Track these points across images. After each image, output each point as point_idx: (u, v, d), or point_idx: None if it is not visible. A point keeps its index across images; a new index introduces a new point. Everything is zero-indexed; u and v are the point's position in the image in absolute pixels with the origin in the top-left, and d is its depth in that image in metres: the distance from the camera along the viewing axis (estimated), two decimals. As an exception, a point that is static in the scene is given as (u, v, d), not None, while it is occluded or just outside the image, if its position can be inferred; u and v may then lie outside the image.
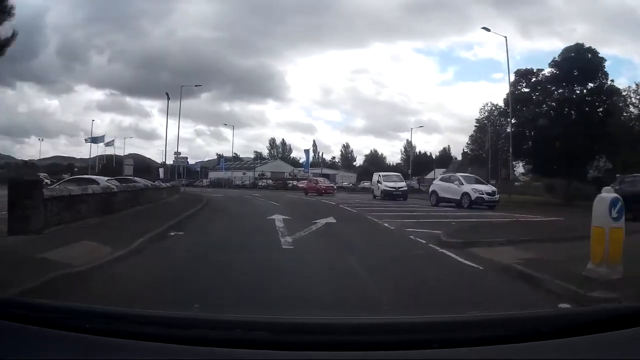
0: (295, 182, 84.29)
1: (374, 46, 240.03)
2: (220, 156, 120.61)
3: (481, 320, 2.36)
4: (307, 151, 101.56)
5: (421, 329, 2.21)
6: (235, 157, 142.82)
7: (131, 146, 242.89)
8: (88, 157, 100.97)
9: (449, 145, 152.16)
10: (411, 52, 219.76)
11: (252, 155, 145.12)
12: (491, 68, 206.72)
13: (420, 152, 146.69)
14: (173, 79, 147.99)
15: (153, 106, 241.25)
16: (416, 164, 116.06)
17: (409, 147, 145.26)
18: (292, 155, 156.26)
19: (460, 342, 2.02)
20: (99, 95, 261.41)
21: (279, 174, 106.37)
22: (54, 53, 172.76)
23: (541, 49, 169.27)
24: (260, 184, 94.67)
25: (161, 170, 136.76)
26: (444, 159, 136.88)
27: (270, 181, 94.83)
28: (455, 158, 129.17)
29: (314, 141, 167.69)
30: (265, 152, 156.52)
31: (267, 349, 1.96)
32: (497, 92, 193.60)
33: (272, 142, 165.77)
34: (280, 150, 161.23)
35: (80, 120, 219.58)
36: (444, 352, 1.97)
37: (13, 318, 2.19)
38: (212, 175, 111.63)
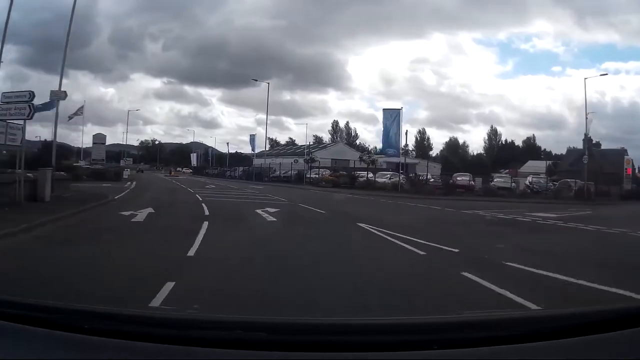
0: (369, 176, 59.60)
1: (433, 36, 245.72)
2: (252, 136, 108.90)
3: (481, 321, 2.40)
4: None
5: (421, 329, 2.26)
6: (290, 142, 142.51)
7: (192, 135, 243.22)
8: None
9: (533, 135, 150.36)
10: (471, 42, 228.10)
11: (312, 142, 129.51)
12: (550, 61, 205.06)
13: (506, 141, 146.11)
14: (231, 68, 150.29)
15: (212, 95, 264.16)
16: (502, 154, 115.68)
17: (493, 135, 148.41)
18: (358, 142, 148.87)
19: (460, 342, 2.06)
20: (156, 83, 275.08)
21: (342, 162, 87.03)
22: (108, 41, 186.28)
23: (597, 42, 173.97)
24: (312, 175, 68.56)
25: (193, 155, 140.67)
26: (532, 149, 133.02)
27: (327, 172, 70.64)
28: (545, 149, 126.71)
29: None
30: (327, 138, 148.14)
31: (267, 350, 2.00)
32: (556, 85, 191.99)
33: (335, 125, 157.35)
34: (345, 136, 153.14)
35: (139, 108, 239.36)
36: (444, 353, 2.01)
37: (13, 318, 2.23)
38: (259, 162, 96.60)
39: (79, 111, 72.66)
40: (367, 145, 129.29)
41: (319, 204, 29.64)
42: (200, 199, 30.74)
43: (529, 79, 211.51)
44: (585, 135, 56.55)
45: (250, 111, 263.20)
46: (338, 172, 66.81)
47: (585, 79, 56.45)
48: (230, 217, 21.34)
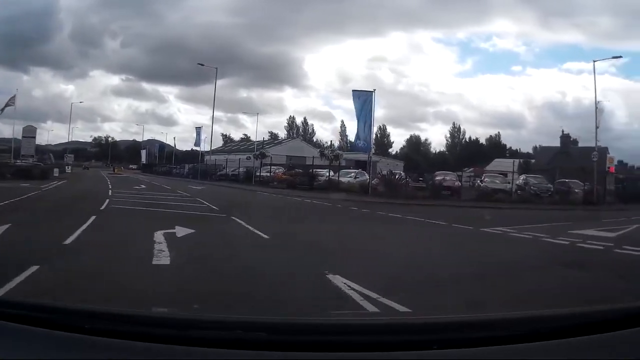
0: (332, 175, 51.27)
1: (392, 35, 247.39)
2: (198, 130, 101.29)
3: (481, 321, 2.47)
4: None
5: (421, 329, 2.32)
6: (245, 139, 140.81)
7: (150, 132, 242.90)
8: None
9: (499, 132, 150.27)
10: (430, 41, 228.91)
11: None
12: (510, 60, 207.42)
13: (470, 139, 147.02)
14: (190, 65, 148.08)
15: (170, 92, 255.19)
16: (465, 152, 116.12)
17: (456, 132, 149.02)
18: (315, 139, 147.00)
19: (461, 342, 2.11)
20: (115, 80, 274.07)
21: (300, 159, 76.78)
22: (68, 38, 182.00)
23: (561, 42, 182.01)
24: (263, 174, 61.04)
25: (143, 152, 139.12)
26: (497, 147, 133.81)
27: (280, 170, 61.90)
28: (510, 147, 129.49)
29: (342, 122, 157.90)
30: (283, 135, 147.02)
31: (267, 350, 2.04)
32: (517, 85, 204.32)
33: (292, 121, 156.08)
34: (302, 132, 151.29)
35: (97, 105, 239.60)
36: (444, 353, 2.06)
37: (13, 318, 2.27)
38: (214, 159, 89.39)
39: (10, 101, 70.31)
40: (324, 143, 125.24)
41: (263, 217, 22.38)
42: (102, 208, 23.66)
43: (489, 78, 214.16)
44: (597, 127, 49.28)
45: (206, 109, 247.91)
46: (293, 171, 57.39)
47: (594, 61, 50.94)
48: (99, 253, 12.33)
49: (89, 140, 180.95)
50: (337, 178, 48.73)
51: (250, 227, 17.00)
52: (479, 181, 48.66)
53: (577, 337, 2.18)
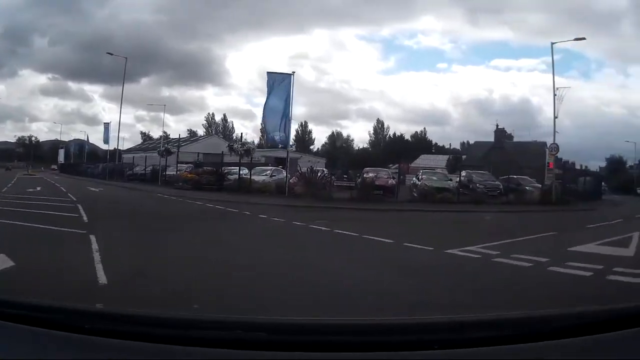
0: (244, 173, 44.44)
1: (315, 32, 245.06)
2: (107, 125, 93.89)
3: (481, 321, 2.45)
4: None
5: (422, 329, 2.29)
6: (163, 137, 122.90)
7: (75, 131, 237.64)
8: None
9: (424, 128, 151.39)
10: (353, 38, 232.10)
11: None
12: (435, 57, 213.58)
13: (394, 135, 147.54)
14: (114, 64, 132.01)
15: (95, 91, 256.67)
16: (389, 149, 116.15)
17: (380, 128, 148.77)
18: (235, 136, 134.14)
19: (461, 342, 2.10)
20: (42, 79, 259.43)
21: (217, 157, 68.24)
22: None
23: (488, 39, 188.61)
24: (169, 173, 55.43)
25: (61, 151, 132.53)
26: (423, 143, 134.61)
27: (189, 168, 54.72)
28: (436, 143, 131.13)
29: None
30: (202, 133, 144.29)
31: (267, 350, 2.05)
32: (441, 82, 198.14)
33: (210, 118, 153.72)
34: (221, 129, 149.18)
35: (26, 104, 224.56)
36: (444, 353, 2.05)
37: (12, 318, 2.30)
38: (131, 156, 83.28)
39: None
40: (243, 138, 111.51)
41: (132, 237, 15.74)
42: None
43: (413, 75, 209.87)
44: (555, 117, 45.90)
45: (130, 107, 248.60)
46: (201, 169, 49.95)
47: (552, 43, 46.52)
48: None
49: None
50: (250, 177, 41.92)
51: (97, 256, 11.73)
52: (415, 179, 42.32)
53: (577, 337, 2.13)
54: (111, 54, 74.65)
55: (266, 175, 43.84)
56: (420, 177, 40.30)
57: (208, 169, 48.90)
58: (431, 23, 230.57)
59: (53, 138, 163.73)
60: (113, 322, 2.27)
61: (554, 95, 43.57)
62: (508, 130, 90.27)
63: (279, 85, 40.45)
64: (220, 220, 22.51)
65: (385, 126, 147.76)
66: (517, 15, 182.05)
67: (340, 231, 17.17)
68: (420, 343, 2.10)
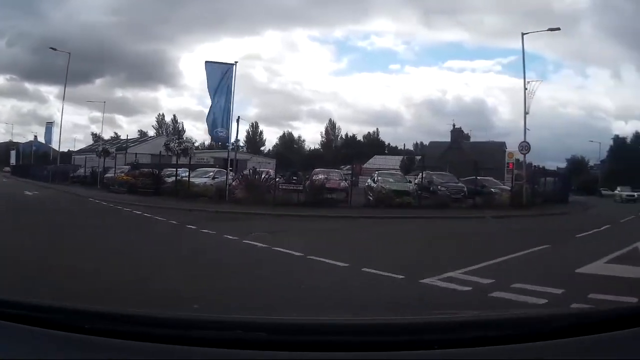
0: (183, 176, 39.90)
1: (268, 34, 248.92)
2: (49, 125, 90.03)
3: (481, 321, 2.49)
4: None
5: (422, 329, 2.32)
6: (114, 138, 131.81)
7: (30, 133, 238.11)
8: None
9: (377, 129, 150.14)
10: (306, 39, 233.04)
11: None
12: (388, 59, 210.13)
13: (347, 135, 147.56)
14: (71, 65, 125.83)
15: (51, 92, 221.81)
16: (342, 149, 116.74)
17: (332, 128, 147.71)
18: (186, 137, 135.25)
19: (461, 342, 2.13)
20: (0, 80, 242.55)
21: (166, 158, 64.46)
22: None
23: (443, 40, 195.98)
24: (107, 175, 51.37)
25: (12, 153, 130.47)
26: (376, 144, 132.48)
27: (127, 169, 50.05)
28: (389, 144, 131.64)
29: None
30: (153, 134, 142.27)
31: (267, 350, 2.08)
32: (394, 83, 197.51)
33: (161, 119, 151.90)
34: (171, 130, 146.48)
35: None
36: (444, 353, 2.07)
37: (12, 318, 2.34)
38: (83, 157, 76.71)
39: None
40: (194, 141, 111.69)
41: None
42: None
43: (365, 76, 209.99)
44: (525, 113, 42.50)
45: (85, 108, 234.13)
46: (137, 171, 45.93)
47: (523, 34, 42.35)
48: None
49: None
50: (188, 179, 37.80)
51: None
52: (370, 181, 38.19)
53: (577, 337, 2.14)
54: (54, 49, 71.79)
55: (208, 177, 39.93)
56: (376, 179, 36.41)
57: (145, 171, 44.93)
58: (385, 24, 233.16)
59: (8, 140, 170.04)
60: (113, 322, 2.26)
61: (525, 89, 40.67)
62: (465, 131, 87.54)
63: (220, 77, 36.53)
64: (126, 232, 19.10)
65: (337, 127, 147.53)
66: (473, 16, 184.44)
67: (280, 249, 13.53)
68: (420, 343, 2.10)
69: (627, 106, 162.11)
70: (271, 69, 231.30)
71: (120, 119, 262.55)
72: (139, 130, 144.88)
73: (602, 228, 22.78)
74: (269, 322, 2.40)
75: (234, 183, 35.11)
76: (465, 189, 36.33)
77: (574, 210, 38.33)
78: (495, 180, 41.17)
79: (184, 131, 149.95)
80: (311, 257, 12.25)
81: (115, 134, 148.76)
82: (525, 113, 40.26)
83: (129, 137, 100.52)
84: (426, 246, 16.71)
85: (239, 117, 70.40)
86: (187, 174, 39.08)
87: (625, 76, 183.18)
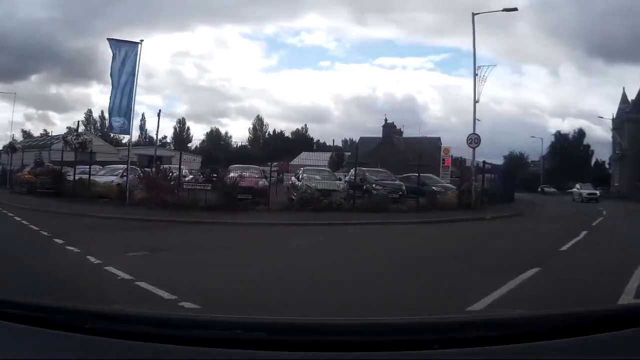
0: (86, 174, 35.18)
1: (199, 30, 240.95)
2: None
3: (481, 321, 2.53)
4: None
5: (421, 329, 2.32)
6: (44, 135, 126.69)
7: None
8: None
9: (305, 125, 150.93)
10: (237, 36, 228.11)
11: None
12: (318, 55, 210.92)
13: (274, 132, 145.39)
14: (7, 61, 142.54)
15: None
16: (269, 146, 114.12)
17: (259, 125, 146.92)
18: (112, 134, 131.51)
19: (461, 342, 2.14)
20: None
21: (86, 155, 61.65)
22: None
23: (375, 37, 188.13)
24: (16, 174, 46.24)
25: None
26: (304, 140, 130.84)
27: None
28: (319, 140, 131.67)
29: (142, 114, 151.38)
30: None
31: (267, 349, 2.10)
32: (323, 80, 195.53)
33: (89, 115, 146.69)
34: (99, 127, 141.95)
35: None
36: (444, 353, 2.09)
37: (13, 318, 2.37)
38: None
39: None
40: (120, 138, 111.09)
41: None
42: None
43: (295, 73, 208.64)
44: (475, 101, 36.06)
45: (20, 105, 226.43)
46: (37, 169, 42.20)
47: (474, 14, 36.80)
48: None
49: None
50: (89, 179, 33.82)
51: None
52: (294, 179, 34.36)
53: (577, 337, 2.13)
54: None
55: (116, 175, 35.81)
56: (300, 177, 32.77)
57: (45, 169, 41.25)
58: (316, 21, 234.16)
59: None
60: (113, 322, 2.28)
61: (475, 75, 36.02)
62: (397, 126, 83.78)
63: (123, 57, 31.32)
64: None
65: (265, 123, 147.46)
66: (406, 14, 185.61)
67: (144, 285, 9.42)
68: (420, 343, 2.11)
69: (564, 104, 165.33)
70: (201, 66, 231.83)
71: (54, 115, 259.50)
72: (67, 127, 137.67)
73: (580, 236, 19.63)
74: (269, 322, 2.37)
75: (136, 181, 31.63)
76: (404, 188, 33.30)
77: (527, 211, 35.68)
78: (436, 177, 38.74)
79: (112, 127, 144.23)
80: (185, 303, 7.71)
81: (45, 130, 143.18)
82: (475, 101, 35.79)
83: (53, 134, 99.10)
84: (358, 274, 11.46)
85: (160, 110, 66.41)
86: (102, 171, 36.97)
87: (563, 74, 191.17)
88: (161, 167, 34.04)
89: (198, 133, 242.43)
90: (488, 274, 11.55)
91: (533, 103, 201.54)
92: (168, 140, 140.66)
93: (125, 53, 31.51)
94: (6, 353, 2.05)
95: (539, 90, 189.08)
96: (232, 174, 30.78)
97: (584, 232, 20.49)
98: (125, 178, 32.60)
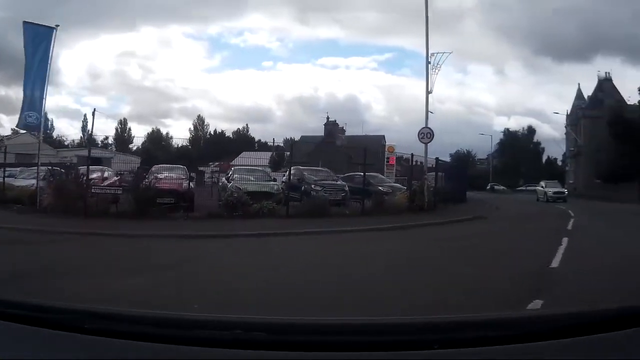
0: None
1: (143, 30, 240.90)
2: None
3: (482, 321, 2.43)
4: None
5: (421, 329, 2.31)
6: None
7: None
8: None
9: (247, 125, 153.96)
10: (181, 36, 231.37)
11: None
12: (261, 55, 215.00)
13: (215, 132, 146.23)
14: None
15: None
16: (210, 146, 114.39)
17: (200, 124, 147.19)
18: (56, 135, 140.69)
19: (461, 342, 2.11)
20: None
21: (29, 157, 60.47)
22: None
23: (317, 37, 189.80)
24: None
25: None
26: (245, 140, 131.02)
27: None
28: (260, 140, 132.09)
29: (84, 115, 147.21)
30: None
31: (267, 349, 2.09)
32: (266, 80, 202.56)
33: None
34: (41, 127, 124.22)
35: None
36: (444, 353, 2.07)
37: (13, 318, 2.37)
38: None
39: None
40: (64, 139, 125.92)
41: None
42: None
43: (237, 73, 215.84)
44: (428, 92, 32.13)
45: None
46: None
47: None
48: None
49: None
50: (3, 182, 31.19)
51: None
52: (224, 180, 31.27)
53: (578, 337, 2.09)
54: None
55: (33, 178, 31.83)
56: (231, 178, 30.05)
57: None
58: (260, 21, 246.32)
59: None
60: (113, 322, 2.28)
61: (427, 63, 32.69)
62: (340, 124, 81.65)
63: (37, 44, 27.79)
64: None
65: (206, 123, 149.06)
66: (350, 14, 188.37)
67: None
68: (420, 343, 2.10)
69: (511, 102, 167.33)
70: (145, 66, 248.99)
71: (3, 117, 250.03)
72: (11, 128, 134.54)
73: (564, 244, 16.49)
74: (269, 322, 2.36)
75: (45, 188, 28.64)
76: (347, 189, 30.99)
77: (487, 213, 32.35)
78: (382, 177, 36.73)
79: (53, 129, 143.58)
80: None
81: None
82: (428, 92, 32.75)
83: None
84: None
85: (94, 109, 62.50)
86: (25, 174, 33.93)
87: (510, 73, 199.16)
88: (75, 169, 28.94)
89: (141, 134, 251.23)
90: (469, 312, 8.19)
91: (479, 102, 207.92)
92: (110, 141, 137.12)
93: (39, 38, 28.19)
94: (6, 353, 2.04)
95: (485, 89, 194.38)
96: (153, 177, 26.54)
97: (565, 239, 17.74)
98: (46, 181, 28.85)
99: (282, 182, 31.07)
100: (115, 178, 30.99)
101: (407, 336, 2.13)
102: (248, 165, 38.97)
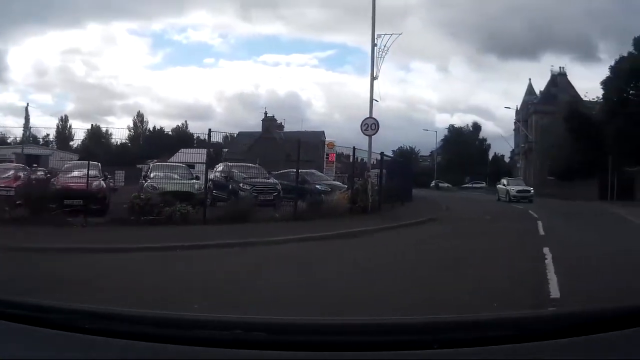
0: None
1: (89, 26, 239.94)
2: None
3: (481, 321, 2.45)
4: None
5: (421, 329, 2.31)
6: None
7: None
8: None
9: (186, 121, 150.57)
10: (125, 33, 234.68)
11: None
12: (203, 52, 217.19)
13: (154, 129, 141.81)
14: None
15: None
16: (150, 143, 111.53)
17: (139, 121, 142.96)
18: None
19: (461, 342, 2.13)
20: None
21: None
22: None
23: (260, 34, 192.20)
24: None
25: None
26: (184, 137, 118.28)
27: None
28: (199, 137, 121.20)
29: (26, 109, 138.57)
30: None
31: (267, 349, 2.11)
32: (207, 77, 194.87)
33: None
34: None
35: None
36: (444, 353, 2.09)
37: (12, 318, 2.37)
38: None
39: None
40: (7, 136, 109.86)
41: None
42: None
43: (179, 70, 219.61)
44: (373, 78, 29.61)
45: None
46: None
47: None
48: None
49: None
50: None
51: None
52: (145, 179, 27.44)
53: (577, 337, 2.11)
54: None
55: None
56: (148, 176, 27.42)
57: None
58: (203, 17, 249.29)
59: None
60: (113, 322, 2.31)
61: (374, 45, 30.58)
62: (278, 120, 79.46)
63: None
64: None
65: (145, 120, 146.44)
66: (293, 10, 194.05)
67: None
68: (420, 343, 2.11)
69: (454, 99, 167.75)
70: (90, 63, 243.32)
71: None
72: None
73: (548, 257, 13.68)
74: (269, 322, 2.40)
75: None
76: (280, 187, 28.84)
77: (438, 214, 30.50)
78: (320, 174, 34.94)
79: None
80: None
81: None
82: (373, 78, 30.77)
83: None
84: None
85: (27, 104, 59.26)
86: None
87: (453, 70, 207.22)
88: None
89: (83, 131, 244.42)
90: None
91: (421, 99, 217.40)
92: (51, 138, 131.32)
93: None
94: (6, 353, 2.06)
95: (428, 86, 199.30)
96: (61, 176, 24.47)
97: (546, 250, 14.77)
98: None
99: (210, 180, 26.89)
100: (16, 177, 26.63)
101: (407, 336, 2.14)
102: (169, 162, 37.93)
